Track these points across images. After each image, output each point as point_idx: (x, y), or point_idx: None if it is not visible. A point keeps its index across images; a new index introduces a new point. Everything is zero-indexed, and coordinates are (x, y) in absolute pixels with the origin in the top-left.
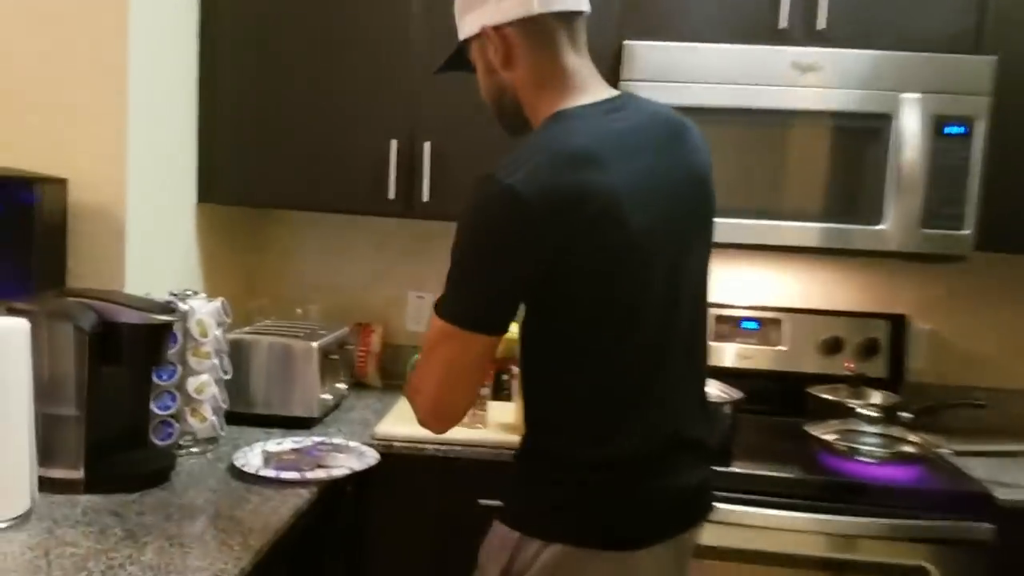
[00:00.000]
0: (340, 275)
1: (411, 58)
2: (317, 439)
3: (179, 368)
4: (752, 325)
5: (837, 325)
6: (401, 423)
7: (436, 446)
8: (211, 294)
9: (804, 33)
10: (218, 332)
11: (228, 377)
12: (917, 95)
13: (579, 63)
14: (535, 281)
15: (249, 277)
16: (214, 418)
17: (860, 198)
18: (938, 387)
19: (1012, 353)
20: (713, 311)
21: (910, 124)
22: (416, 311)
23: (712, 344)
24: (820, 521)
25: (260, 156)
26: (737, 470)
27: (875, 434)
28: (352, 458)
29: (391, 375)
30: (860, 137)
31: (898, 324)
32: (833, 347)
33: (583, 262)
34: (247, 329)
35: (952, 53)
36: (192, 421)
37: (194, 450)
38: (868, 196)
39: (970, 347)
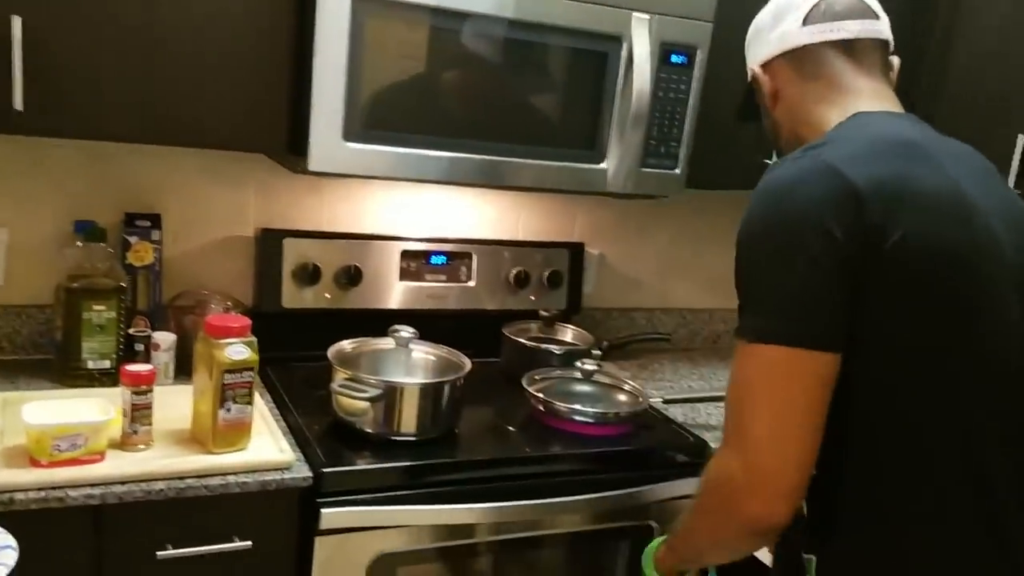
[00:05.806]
0: None
1: None
2: None
3: None
4: (440, 260)
5: (524, 257)
6: (16, 457)
7: (91, 488)
8: None
9: None
10: None
11: None
12: (646, 16)
13: (871, 86)
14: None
15: None
16: None
17: (581, 132)
18: (606, 311)
19: (667, 276)
20: (398, 244)
21: (641, 49)
22: None
23: (400, 284)
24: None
25: None
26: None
27: (589, 386)
28: None
29: None
30: (586, 61)
31: (577, 253)
32: (522, 281)
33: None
34: None
35: None
36: None
37: None
38: (591, 130)
39: (631, 271)
